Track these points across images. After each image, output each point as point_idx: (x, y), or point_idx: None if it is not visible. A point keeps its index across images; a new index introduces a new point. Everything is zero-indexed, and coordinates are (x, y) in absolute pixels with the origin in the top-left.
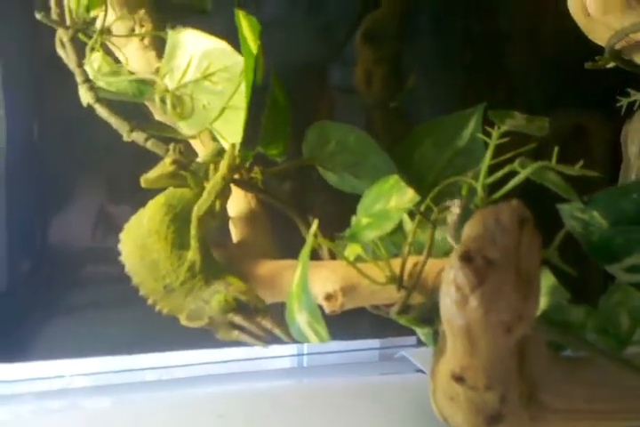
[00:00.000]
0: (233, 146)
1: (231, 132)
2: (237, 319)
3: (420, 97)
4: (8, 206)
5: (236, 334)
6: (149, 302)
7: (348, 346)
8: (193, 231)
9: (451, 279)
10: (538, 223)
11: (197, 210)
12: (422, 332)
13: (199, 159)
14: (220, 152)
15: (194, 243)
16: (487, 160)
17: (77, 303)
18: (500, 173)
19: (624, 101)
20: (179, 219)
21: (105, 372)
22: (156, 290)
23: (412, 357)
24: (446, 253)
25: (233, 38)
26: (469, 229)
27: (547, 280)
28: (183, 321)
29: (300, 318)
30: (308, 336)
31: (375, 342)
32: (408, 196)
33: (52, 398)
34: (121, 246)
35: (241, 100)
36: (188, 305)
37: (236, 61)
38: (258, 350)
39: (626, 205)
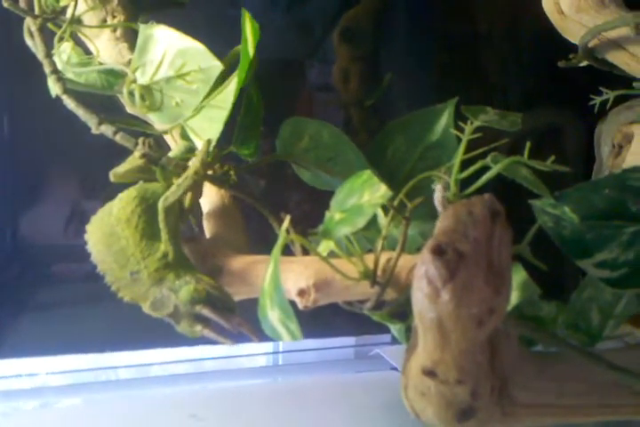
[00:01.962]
0: (208, 142)
1: (210, 130)
2: (206, 312)
3: (397, 95)
4: None
5: (198, 328)
6: (112, 288)
7: (323, 344)
8: (161, 224)
9: (422, 273)
10: (512, 219)
11: (163, 201)
12: (395, 328)
13: (169, 154)
14: (190, 150)
15: (164, 235)
16: (460, 155)
17: (49, 301)
18: (472, 169)
19: (597, 100)
20: (150, 211)
21: (77, 370)
22: (121, 277)
23: (387, 354)
24: (419, 249)
25: (207, 32)
26: (441, 223)
27: (518, 275)
28: (146, 309)
29: (272, 315)
30: (280, 333)
31: (350, 340)
32: (381, 191)
33: (24, 397)
34: (87, 236)
35: (224, 100)
36: (153, 294)
37: (213, 64)
38: (233, 348)
39: (597, 200)
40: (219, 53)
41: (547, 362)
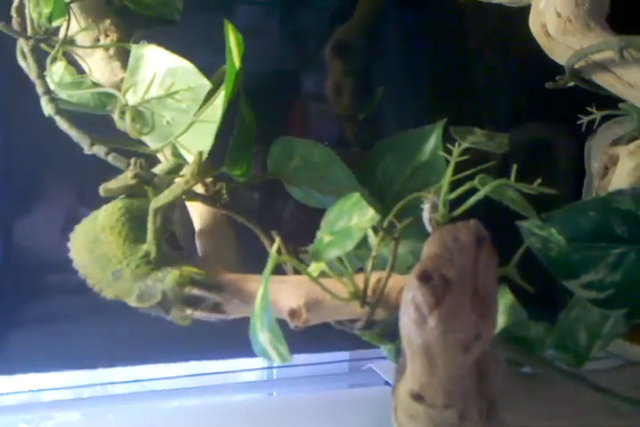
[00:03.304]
0: (200, 153)
1: (199, 145)
2: (195, 291)
3: (390, 109)
4: None
5: (189, 311)
6: (95, 289)
7: (317, 358)
8: (149, 224)
9: (409, 299)
10: (500, 240)
11: (154, 202)
12: (385, 348)
13: (156, 170)
14: (177, 168)
15: (150, 235)
16: (448, 177)
17: (44, 316)
18: (460, 190)
19: (584, 119)
20: (135, 220)
21: (74, 386)
22: (102, 278)
23: (380, 369)
24: (410, 268)
25: (199, 48)
26: (428, 248)
27: (505, 299)
28: (133, 303)
29: (263, 337)
30: (270, 355)
31: (345, 355)
32: (369, 215)
33: (22, 412)
34: (70, 243)
35: (213, 114)
36: (138, 287)
37: (201, 83)
38: (228, 364)
39: (583, 222)
40: (214, 68)
41: (535, 384)
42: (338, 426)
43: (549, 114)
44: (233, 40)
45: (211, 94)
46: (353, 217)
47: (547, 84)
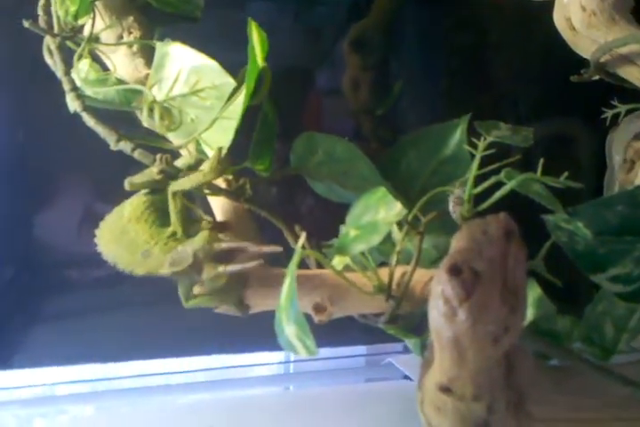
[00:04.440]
0: (219, 149)
1: (221, 141)
2: (225, 245)
3: (408, 104)
4: None
5: (222, 268)
6: (126, 271)
7: (334, 353)
8: (171, 207)
9: (438, 292)
10: (525, 233)
11: (172, 186)
12: (411, 342)
13: (177, 163)
14: (198, 163)
15: (173, 217)
16: (474, 171)
17: (60, 310)
18: (486, 184)
19: (609, 113)
20: (159, 211)
21: (91, 380)
22: (133, 261)
23: (399, 363)
24: (434, 262)
25: (220, 45)
26: (457, 242)
27: (533, 292)
28: (166, 270)
29: (289, 331)
30: (296, 348)
31: (362, 349)
32: (396, 209)
33: (37, 406)
34: (97, 239)
35: (235, 111)
36: (168, 258)
37: (226, 82)
38: (245, 358)
39: (610, 216)
40: (237, 63)
41: (562, 376)
42: (357, 420)
43: (570, 107)
44: (256, 38)
45: (235, 92)
46: (379, 211)
47: (571, 77)
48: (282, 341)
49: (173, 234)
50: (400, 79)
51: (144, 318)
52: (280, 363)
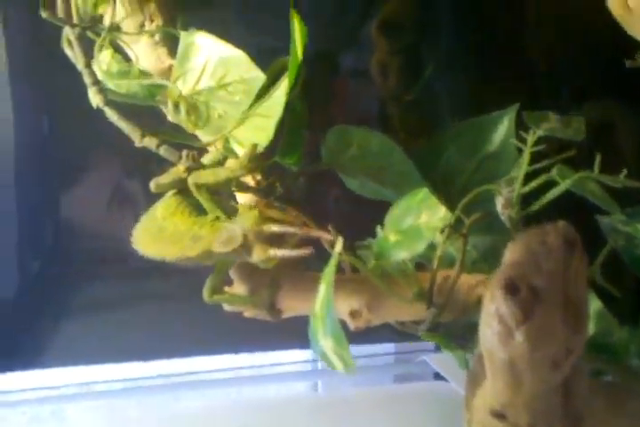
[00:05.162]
0: (254, 146)
1: (255, 139)
2: (275, 228)
3: (438, 90)
4: (17, 209)
5: (272, 251)
6: (177, 261)
7: (364, 351)
8: (201, 199)
9: (492, 310)
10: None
11: (194, 178)
12: (454, 353)
13: (204, 160)
14: (224, 159)
15: (207, 205)
16: (523, 169)
17: (91, 308)
18: (535, 183)
19: None
20: (192, 205)
21: (123, 379)
22: (181, 248)
23: (434, 362)
24: (473, 263)
25: (239, 30)
26: (511, 254)
27: (593, 305)
28: (217, 249)
29: (325, 344)
30: (333, 363)
31: (391, 347)
32: (440, 213)
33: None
34: (136, 246)
35: (272, 108)
36: (219, 236)
37: (255, 76)
38: (274, 356)
39: None
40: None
41: (620, 397)
42: (387, 419)
43: (620, 94)
44: (298, 32)
45: (266, 87)
46: (422, 215)
47: (627, 62)
48: (317, 351)
49: (216, 218)
50: (431, 64)
51: (182, 315)
52: (307, 361)
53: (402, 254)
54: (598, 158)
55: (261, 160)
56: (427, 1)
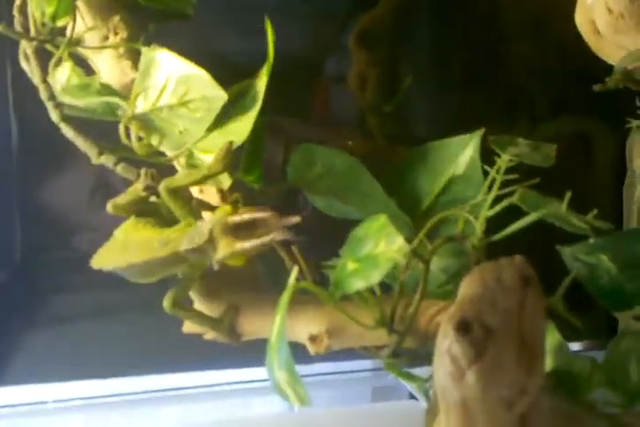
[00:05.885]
0: (230, 143)
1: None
2: (238, 218)
3: (417, 102)
4: None
5: (239, 244)
6: (143, 263)
7: (340, 367)
8: (171, 205)
9: (444, 349)
10: (540, 263)
11: (167, 183)
12: (414, 385)
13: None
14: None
15: (179, 212)
16: (493, 194)
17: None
18: (498, 208)
19: (634, 124)
20: (157, 223)
21: (121, 393)
22: (149, 253)
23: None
24: (440, 287)
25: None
26: (466, 289)
27: (552, 339)
28: (184, 246)
29: (280, 376)
30: (287, 395)
31: (368, 363)
32: (397, 243)
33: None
34: (100, 266)
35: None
36: (186, 237)
37: (217, 95)
38: (251, 373)
39: (638, 249)
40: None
41: None
42: None
43: (587, 108)
44: (272, 40)
45: (225, 107)
46: (379, 244)
47: (594, 86)
48: (272, 383)
49: (188, 224)
50: (409, 75)
51: (137, 334)
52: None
53: (359, 284)
54: (568, 195)
55: (236, 158)
56: (405, 12)
